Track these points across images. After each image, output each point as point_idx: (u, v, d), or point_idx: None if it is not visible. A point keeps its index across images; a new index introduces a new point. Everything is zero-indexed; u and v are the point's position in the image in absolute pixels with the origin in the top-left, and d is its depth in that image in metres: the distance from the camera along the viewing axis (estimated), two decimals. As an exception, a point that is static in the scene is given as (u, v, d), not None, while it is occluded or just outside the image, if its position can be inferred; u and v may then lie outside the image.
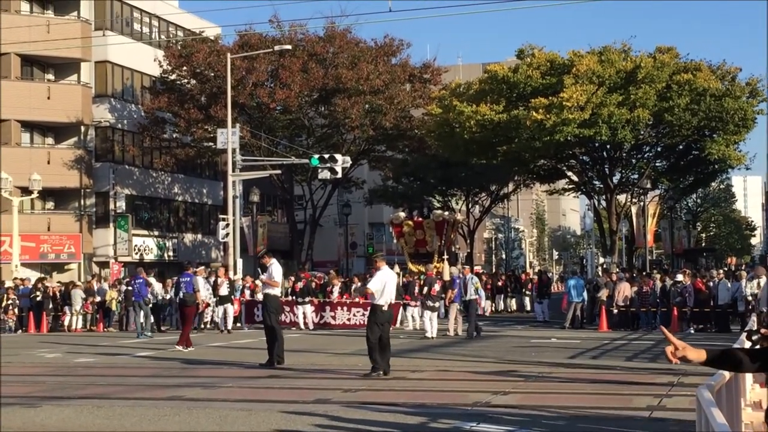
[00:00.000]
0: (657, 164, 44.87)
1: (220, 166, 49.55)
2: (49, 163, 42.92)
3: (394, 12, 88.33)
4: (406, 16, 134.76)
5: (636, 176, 44.61)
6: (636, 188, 45.16)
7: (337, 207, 57.36)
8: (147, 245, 47.62)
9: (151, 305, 28.20)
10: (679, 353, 4.38)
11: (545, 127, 36.43)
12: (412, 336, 24.49)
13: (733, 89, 38.62)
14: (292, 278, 30.78)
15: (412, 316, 27.95)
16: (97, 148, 46.25)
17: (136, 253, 45.46)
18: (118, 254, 43.72)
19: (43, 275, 38.00)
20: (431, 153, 48.44)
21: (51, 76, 45.44)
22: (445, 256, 33.36)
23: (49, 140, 45.35)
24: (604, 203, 45.45)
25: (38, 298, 31.41)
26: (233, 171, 36.09)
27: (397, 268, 26.62)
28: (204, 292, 25.48)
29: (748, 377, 7.71)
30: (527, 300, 39.24)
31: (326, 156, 35.94)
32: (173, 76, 45.21)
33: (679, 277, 27.84)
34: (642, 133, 39.65)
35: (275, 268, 17.16)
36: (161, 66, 44.64)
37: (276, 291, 17.68)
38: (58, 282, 35.94)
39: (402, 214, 40.94)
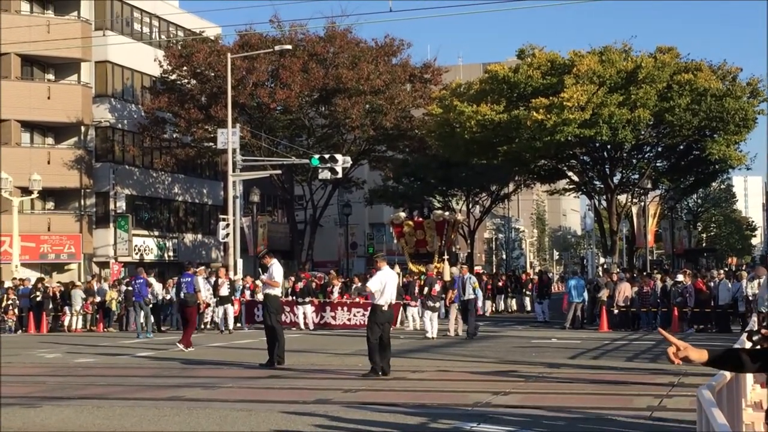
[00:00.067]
0: (658, 164, 44.86)
1: (220, 166, 49.53)
2: (49, 163, 42.91)
3: (395, 12, 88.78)
4: (407, 16, 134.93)
5: (636, 176, 44.60)
6: (636, 188, 45.16)
7: (337, 207, 57.36)
8: (147, 245, 47.61)
9: (151, 305, 28.21)
10: (681, 354, 4.36)
11: (546, 127, 36.43)
12: (413, 336, 24.49)
13: (734, 89, 38.62)
14: (293, 278, 30.78)
15: (413, 317, 27.95)
16: (97, 148, 46.24)
17: (136, 254, 45.44)
18: (118, 254, 43.70)
19: (43, 275, 38.01)
20: (432, 153, 48.45)
21: (51, 76, 45.44)
22: (446, 257, 33.34)
23: (49, 140, 45.34)
24: (604, 203, 45.45)
25: (38, 299, 31.42)
26: (233, 171, 36.08)
27: (397, 268, 26.59)
28: (204, 293, 25.49)
29: (749, 378, 7.71)
30: (528, 300, 39.25)
31: (326, 156, 35.92)
32: (173, 76, 45.20)
33: (680, 278, 27.84)
34: (643, 133, 39.65)
35: (276, 268, 17.16)
36: (161, 66, 44.64)
37: (276, 291, 17.67)
38: (58, 282, 35.96)
39: (402, 215, 40.92)
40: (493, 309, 38.29)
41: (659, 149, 43.44)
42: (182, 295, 21.86)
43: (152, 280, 29.50)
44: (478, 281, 29.68)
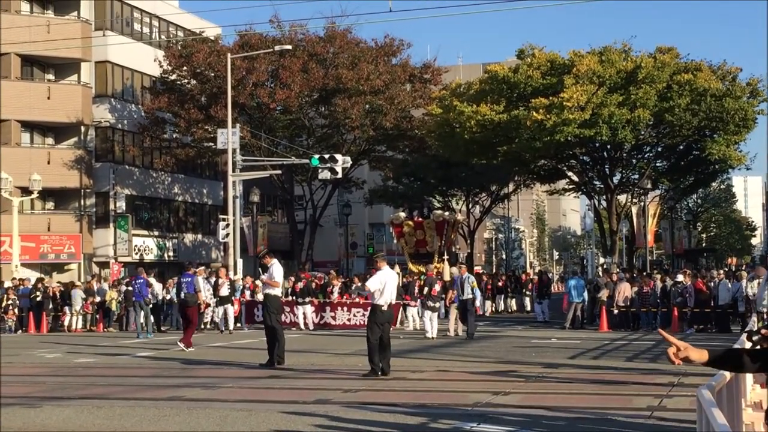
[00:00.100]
0: (657, 164, 44.87)
1: (220, 166, 49.55)
2: (49, 163, 42.91)
3: (395, 12, 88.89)
4: (407, 16, 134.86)
5: (636, 176, 44.61)
6: (636, 188, 45.15)
7: (337, 207, 57.36)
8: (147, 245, 47.61)
9: (151, 305, 28.21)
10: (681, 354, 4.36)
11: (545, 128, 36.43)
12: (413, 336, 24.48)
13: (734, 89, 38.62)
14: (293, 278, 30.77)
15: (413, 317, 27.95)
16: (97, 148, 46.24)
17: (136, 254, 45.45)
18: (118, 254, 43.71)
19: (42, 275, 38.01)
20: (431, 153, 48.45)
21: (51, 76, 45.44)
22: (446, 257, 33.36)
23: (49, 140, 45.34)
24: (604, 203, 45.45)
25: (38, 299, 31.42)
26: (233, 171, 36.08)
27: (397, 269, 26.59)
28: (204, 293, 25.49)
29: (749, 378, 7.71)
30: (527, 300, 39.25)
31: (326, 156, 35.93)
32: (173, 77, 45.20)
33: (680, 278, 27.84)
34: (642, 133, 39.65)
35: (276, 268, 17.16)
36: (161, 66, 44.64)
37: (276, 291, 17.67)
38: (58, 282, 35.95)
39: (402, 215, 40.92)
40: (493, 309, 38.28)
41: (659, 149, 43.44)
42: (182, 295, 21.87)
43: (152, 280, 29.51)
44: (478, 281, 29.67)
